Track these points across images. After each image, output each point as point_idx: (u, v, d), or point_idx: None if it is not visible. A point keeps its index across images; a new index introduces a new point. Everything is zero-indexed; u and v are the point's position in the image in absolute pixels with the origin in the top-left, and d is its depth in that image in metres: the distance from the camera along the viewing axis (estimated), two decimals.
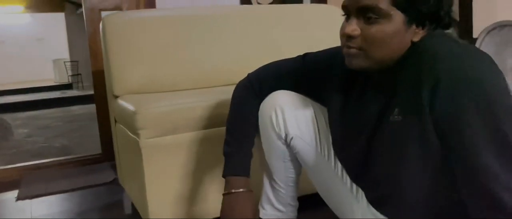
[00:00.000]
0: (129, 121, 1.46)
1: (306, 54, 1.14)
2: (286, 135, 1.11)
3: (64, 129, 5.71)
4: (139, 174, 1.45)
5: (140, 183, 1.45)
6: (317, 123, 1.12)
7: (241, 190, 1.09)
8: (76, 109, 7.65)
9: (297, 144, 1.11)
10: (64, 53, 11.46)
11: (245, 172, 1.13)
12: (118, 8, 2.72)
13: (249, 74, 1.22)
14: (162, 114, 1.41)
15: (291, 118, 1.10)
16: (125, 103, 1.56)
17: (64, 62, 11.38)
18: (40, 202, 2.08)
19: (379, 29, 0.85)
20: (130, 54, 1.79)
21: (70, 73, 11.30)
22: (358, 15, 0.87)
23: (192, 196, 1.47)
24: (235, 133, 1.16)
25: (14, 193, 2.19)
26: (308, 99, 1.14)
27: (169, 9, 2.19)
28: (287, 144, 1.13)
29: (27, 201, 2.10)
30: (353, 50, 0.89)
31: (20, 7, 11.67)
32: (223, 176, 1.13)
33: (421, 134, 0.83)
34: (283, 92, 1.12)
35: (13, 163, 2.84)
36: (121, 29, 1.80)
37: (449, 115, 0.78)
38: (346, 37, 0.89)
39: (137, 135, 1.40)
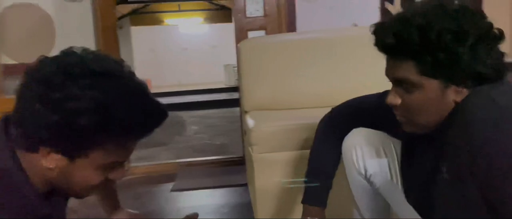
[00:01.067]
0: (248, 135, 1.69)
1: (387, 92, 1.18)
2: (366, 172, 1.18)
3: (226, 128, 6.35)
4: (253, 182, 1.67)
5: (253, 191, 1.66)
6: (397, 159, 1.15)
7: None
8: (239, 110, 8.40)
9: (377, 180, 1.17)
10: (233, 59, 12.73)
11: (321, 203, 1.23)
12: (262, 28, 3.03)
13: (332, 109, 1.30)
14: (272, 133, 1.60)
15: (370, 156, 1.16)
16: (249, 119, 1.80)
17: (233, 67, 12.65)
18: (188, 195, 2.50)
19: (414, 98, 0.87)
20: (258, 75, 2.03)
21: (237, 77, 12.47)
22: (396, 84, 0.91)
23: (295, 209, 1.62)
24: (315, 166, 1.26)
25: (170, 185, 2.66)
26: (389, 137, 1.17)
27: (298, 34, 2.39)
28: (368, 179, 1.20)
29: (179, 193, 2.54)
30: (400, 118, 0.94)
31: (200, 19, 13.49)
32: (302, 203, 1.25)
33: (466, 193, 0.83)
34: (363, 130, 1.18)
35: (180, 157, 3.43)
36: (252, 53, 2.06)
37: (487, 182, 0.78)
38: (391, 105, 0.93)
39: (252, 149, 1.62)
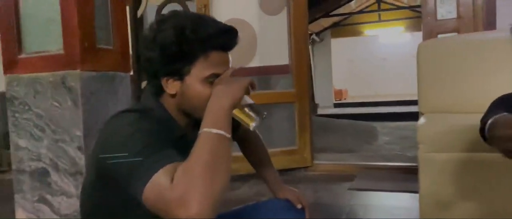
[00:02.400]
0: (416, 134, 1.68)
1: None
2: None
3: None
4: (418, 182, 1.65)
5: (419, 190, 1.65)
6: None
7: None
8: None
9: None
10: None
11: None
12: (455, 31, 2.85)
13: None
14: (441, 132, 1.56)
15: None
16: (421, 120, 1.78)
17: None
18: (364, 195, 2.58)
19: None
20: (437, 76, 1.98)
21: None
22: None
23: (459, 214, 1.53)
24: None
25: (349, 184, 2.78)
26: None
27: (484, 33, 2.18)
28: None
29: (355, 192, 2.63)
30: None
31: (401, 28, 13.06)
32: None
33: None
34: None
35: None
36: (431, 54, 2.01)
37: None
38: None
39: (419, 147, 1.61)
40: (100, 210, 1.01)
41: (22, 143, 1.81)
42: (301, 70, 3.15)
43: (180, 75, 0.96)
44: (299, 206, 1.27)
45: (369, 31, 13.63)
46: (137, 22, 3.38)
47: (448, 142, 1.54)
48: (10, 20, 1.83)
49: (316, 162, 3.25)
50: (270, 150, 1.33)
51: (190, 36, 0.93)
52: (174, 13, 0.99)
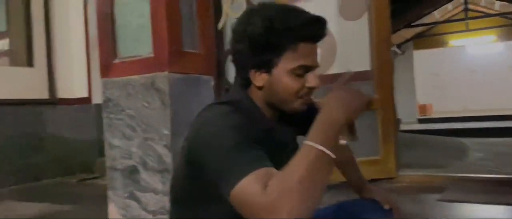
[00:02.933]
0: None
1: None
2: None
3: None
4: None
5: None
6: None
7: None
8: None
9: None
10: None
11: None
12: None
13: None
14: None
15: None
16: None
17: None
18: (456, 206, 2.37)
19: None
20: None
21: None
22: None
23: None
24: None
25: (438, 196, 2.57)
26: None
27: None
28: None
29: (446, 203, 2.43)
30: None
31: (492, 37, 12.11)
32: None
33: None
34: None
35: None
36: None
37: None
38: None
39: None
40: (190, 205, 1.02)
41: (115, 142, 1.94)
42: (384, 75, 3.01)
43: (268, 67, 0.96)
44: (386, 207, 1.21)
45: (455, 41, 12.79)
46: (217, 34, 3.49)
47: None
48: (106, 29, 1.99)
49: (401, 173, 3.07)
50: None
51: (278, 27, 0.92)
52: (263, 4, 0.99)
